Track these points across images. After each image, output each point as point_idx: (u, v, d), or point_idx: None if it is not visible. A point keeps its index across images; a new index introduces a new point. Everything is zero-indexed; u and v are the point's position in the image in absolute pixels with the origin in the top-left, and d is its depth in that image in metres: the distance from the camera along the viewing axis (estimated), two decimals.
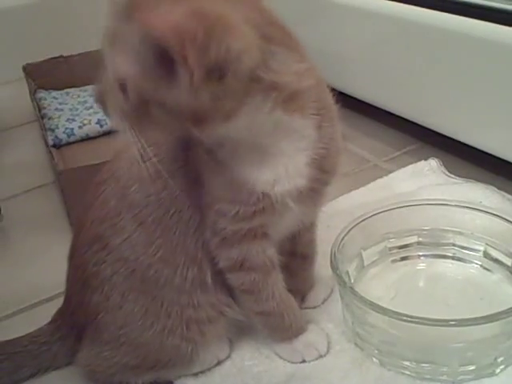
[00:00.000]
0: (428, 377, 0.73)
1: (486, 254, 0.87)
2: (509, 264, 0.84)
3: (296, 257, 0.82)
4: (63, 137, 1.36)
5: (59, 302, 0.82)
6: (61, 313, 0.81)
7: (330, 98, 0.70)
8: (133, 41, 0.55)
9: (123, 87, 0.58)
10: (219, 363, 0.79)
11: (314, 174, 0.69)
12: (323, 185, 0.72)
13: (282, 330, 0.78)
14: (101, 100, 0.62)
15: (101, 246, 0.73)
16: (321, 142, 0.68)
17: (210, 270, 0.73)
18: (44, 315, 0.83)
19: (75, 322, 0.78)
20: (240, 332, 0.81)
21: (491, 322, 0.68)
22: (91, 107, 1.50)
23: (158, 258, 0.72)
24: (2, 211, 1.19)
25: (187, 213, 0.71)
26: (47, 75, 1.64)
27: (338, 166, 0.73)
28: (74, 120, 1.42)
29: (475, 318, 0.68)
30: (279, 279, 0.76)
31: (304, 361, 0.78)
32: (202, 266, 0.73)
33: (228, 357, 0.80)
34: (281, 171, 0.67)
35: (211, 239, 0.71)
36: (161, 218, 0.71)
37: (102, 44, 0.60)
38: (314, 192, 0.71)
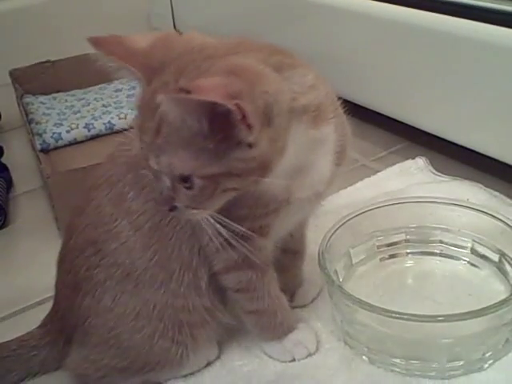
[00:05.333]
0: (417, 373, 0.73)
1: (474, 251, 0.88)
2: (496, 260, 0.85)
3: (287, 253, 0.82)
4: (51, 141, 1.36)
5: (48, 306, 0.82)
6: (50, 317, 0.81)
7: (333, 93, 0.70)
8: (182, 130, 0.56)
9: (185, 178, 0.59)
10: (208, 364, 0.79)
11: (333, 173, 0.70)
12: (333, 180, 0.72)
13: (273, 328, 0.78)
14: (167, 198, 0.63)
15: (94, 251, 0.73)
16: (338, 141, 0.69)
17: (205, 274, 0.74)
18: (33, 319, 0.82)
19: (64, 326, 0.78)
20: (229, 332, 0.81)
21: (478, 317, 0.68)
22: (79, 111, 1.50)
23: (154, 262, 0.72)
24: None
25: None
26: (34, 80, 1.64)
27: (348, 158, 0.73)
28: (61, 124, 1.41)
29: (463, 314, 0.68)
30: (274, 277, 0.76)
31: (294, 359, 0.78)
32: (197, 271, 0.73)
33: (217, 357, 0.80)
34: (306, 182, 0.68)
35: (210, 242, 0.71)
36: (158, 224, 0.71)
37: (141, 149, 0.61)
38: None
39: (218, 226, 0.64)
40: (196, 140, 0.56)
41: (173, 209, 0.63)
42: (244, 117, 0.54)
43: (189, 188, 0.60)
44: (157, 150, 0.58)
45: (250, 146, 0.57)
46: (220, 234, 0.65)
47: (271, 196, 0.67)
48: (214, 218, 0.63)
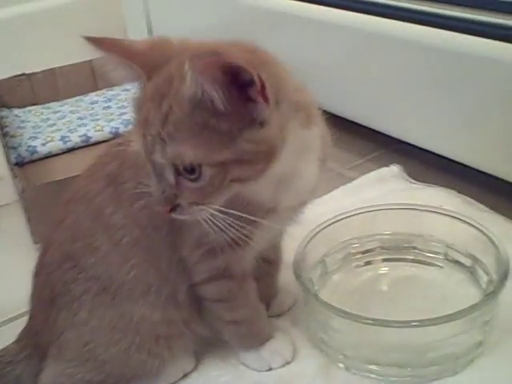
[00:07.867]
0: (393, 379, 0.74)
1: (447, 256, 0.89)
2: (469, 265, 0.86)
3: (263, 262, 0.82)
4: (26, 155, 1.35)
5: (24, 322, 0.81)
6: (25, 331, 0.80)
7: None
8: (197, 110, 0.57)
9: (193, 168, 0.59)
10: (185, 375, 0.79)
11: (317, 181, 0.71)
12: (317, 188, 0.73)
13: (251, 337, 0.78)
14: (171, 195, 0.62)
15: (72, 265, 0.73)
16: (322, 148, 0.70)
17: (183, 286, 0.74)
18: (9, 335, 0.81)
19: (40, 341, 0.77)
20: (206, 343, 0.81)
21: (451, 321, 0.69)
22: (54, 124, 1.50)
23: (131, 276, 0.72)
24: None
25: (164, 230, 0.71)
26: (9, 93, 1.63)
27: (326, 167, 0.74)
28: (36, 137, 1.41)
29: (436, 318, 0.69)
30: (253, 286, 0.77)
31: (270, 368, 0.78)
32: (175, 284, 0.73)
33: (194, 368, 0.80)
34: (293, 190, 0.69)
35: (191, 253, 0.71)
36: (136, 238, 0.72)
37: (145, 144, 0.60)
38: None
39: (226, 218, 0.63)
40: (210, 121, 0.57)
41: (174, 208, 0.62)
42: (262, 88, 0.56)
43: (195, 180, 0.59)
44: (165, 139, 0.58)
45: (262, 124, 0.58)
46: (230, 226, 0.63)
47: (258, 204, 0.68)
48: (220, 212, 0.62)
